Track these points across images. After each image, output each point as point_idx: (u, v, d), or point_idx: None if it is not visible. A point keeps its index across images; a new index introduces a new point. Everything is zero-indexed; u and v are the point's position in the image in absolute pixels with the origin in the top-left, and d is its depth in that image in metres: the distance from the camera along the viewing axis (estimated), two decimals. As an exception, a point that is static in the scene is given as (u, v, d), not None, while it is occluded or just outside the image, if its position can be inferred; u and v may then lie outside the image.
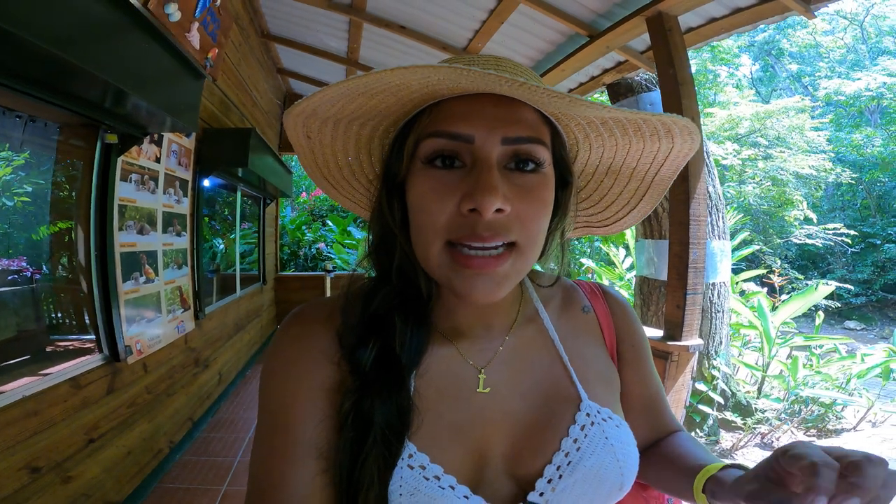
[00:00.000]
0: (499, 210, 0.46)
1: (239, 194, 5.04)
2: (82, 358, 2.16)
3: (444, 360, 0.56)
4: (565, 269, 0.64)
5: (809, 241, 11.66)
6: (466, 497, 0.49)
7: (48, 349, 2.20)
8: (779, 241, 12.05)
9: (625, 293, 5.59)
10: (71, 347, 2.27)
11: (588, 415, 0.55)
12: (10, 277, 2.12)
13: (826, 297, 4.74)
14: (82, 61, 1.48)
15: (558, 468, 0.52)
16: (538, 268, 0.68)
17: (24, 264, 2.19)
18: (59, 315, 2.42)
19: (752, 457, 3.51)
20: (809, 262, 13.57)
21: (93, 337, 2.28)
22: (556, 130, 0.55)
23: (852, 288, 11.50)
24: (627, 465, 0.54)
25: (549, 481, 0.51)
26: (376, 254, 0.58)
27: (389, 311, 0.54)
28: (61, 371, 1.97)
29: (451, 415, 0.54)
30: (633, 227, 4.90)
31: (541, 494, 0.51)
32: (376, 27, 3.76)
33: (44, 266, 2.33)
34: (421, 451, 0.50)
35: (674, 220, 2.33)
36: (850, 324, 11.70)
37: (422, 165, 0.50)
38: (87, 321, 2.29)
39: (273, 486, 0.47)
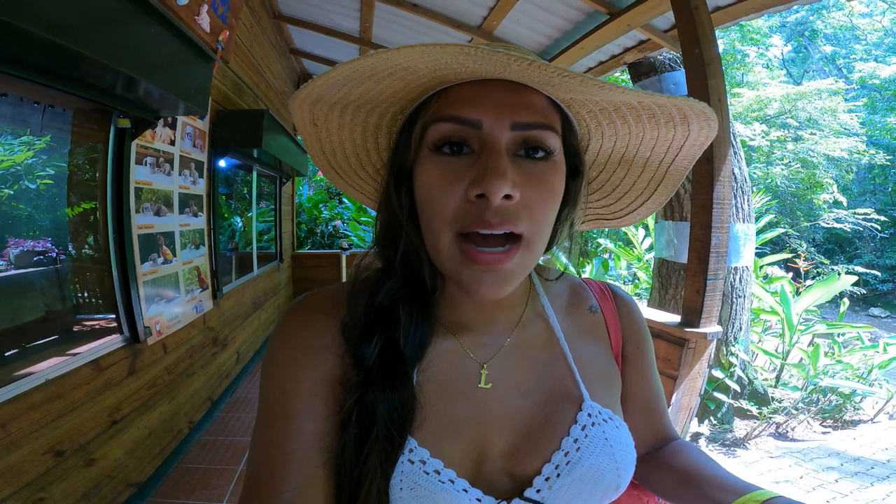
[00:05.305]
0: (507, 197, 0.45)
1: (255, 174, 5.07)
2: (104, 339, 2.22)
3: (446, 354, 0.56)
4: (574, 260, 0.63)
5: (838, 226, 11.30)
6: (465, 490, 0.49)
7: (74, 329, 2.26)
8: (806, 224, 11.72)
9: (643, 275, 5.53)
10: (93, 328, 2.32)
11: (590, 415, 0.55)
12: (35, 259, 2.17)
13: (852, 284, 4.60)
14: (90, 49, 1.47)
15: (557, 467, 0.52)
16: (544, 259, 0.67)
17: (49, 245, 2.24)
18: (81, 297, 2.47)
19: (765, 447, 3.48)
20: (837, 247, 13.19)
21: (113, 317, 2.33)
22: (567, 118, 0.53)
23: (879, 274, 11.16)
24: (625, 466, 0.54)
25: (547, 479, 0.51)
26: (383, 243, 0.57)
27: (394, 303, 0.54)
28: (84, 353, 2.03)
29: (451, 410, 0.53)
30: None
31: (538, 491, 0.51)
32: (388, 5, 3.67)
33: (69, 247, 2.38)
34: (422, 445, 0.50)
35: (696, 203, 2.23)
36: (875, 311, 11.41)
37: (429, 152, 0.49)
38: (109, 303, 2.34)
39: (272, 478, 0.47)
